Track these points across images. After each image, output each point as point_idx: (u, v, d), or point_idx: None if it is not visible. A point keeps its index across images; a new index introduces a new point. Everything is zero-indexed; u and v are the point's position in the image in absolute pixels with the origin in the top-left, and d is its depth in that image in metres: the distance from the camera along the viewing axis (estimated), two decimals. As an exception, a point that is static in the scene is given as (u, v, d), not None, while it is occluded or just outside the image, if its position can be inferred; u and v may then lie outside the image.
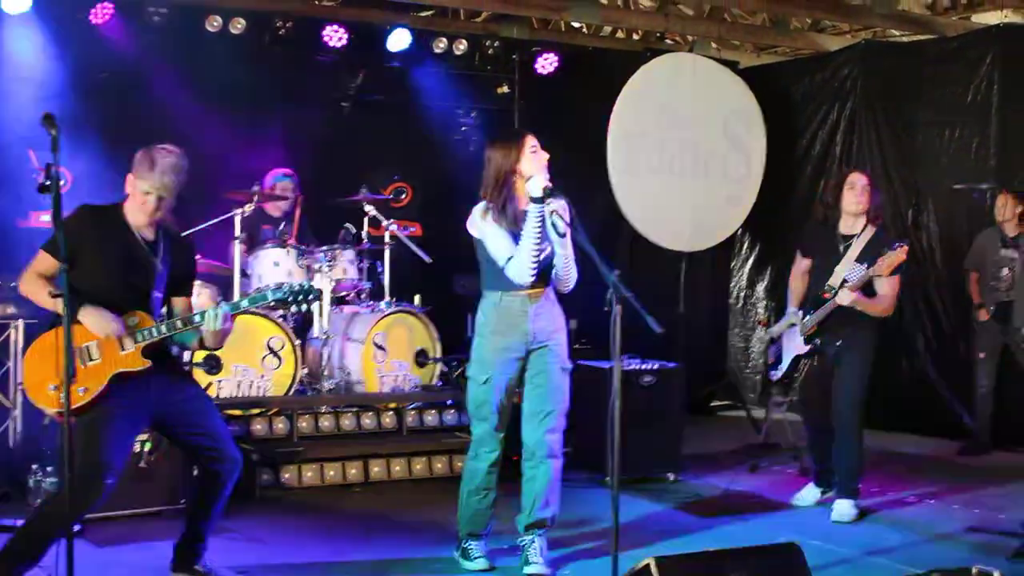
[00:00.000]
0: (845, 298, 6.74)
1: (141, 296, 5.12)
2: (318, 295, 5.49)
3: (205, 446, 5.24)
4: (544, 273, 5.61)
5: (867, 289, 6.84)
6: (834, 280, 6.87)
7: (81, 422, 4.80)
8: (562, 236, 5.51)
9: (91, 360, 4.95)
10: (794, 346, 7.12)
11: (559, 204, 5.46)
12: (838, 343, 6.93)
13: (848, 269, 6.85)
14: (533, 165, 5.52)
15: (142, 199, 5.08)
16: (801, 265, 7.24)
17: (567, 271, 5.64)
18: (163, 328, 5.07)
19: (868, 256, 6.81)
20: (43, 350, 5.00)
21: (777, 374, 7.27)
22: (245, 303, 5.40)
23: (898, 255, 6.64)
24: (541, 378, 5.70)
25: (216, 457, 5.25)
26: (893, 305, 6.94)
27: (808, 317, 6.99)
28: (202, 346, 5.28)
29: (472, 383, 5.75)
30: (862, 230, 6.92)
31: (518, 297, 5.61)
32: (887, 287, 6.83)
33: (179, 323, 5.12)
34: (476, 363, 5.74)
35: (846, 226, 7.01)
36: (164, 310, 5.31)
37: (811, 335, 7.00)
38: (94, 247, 4.99)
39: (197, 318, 5.10)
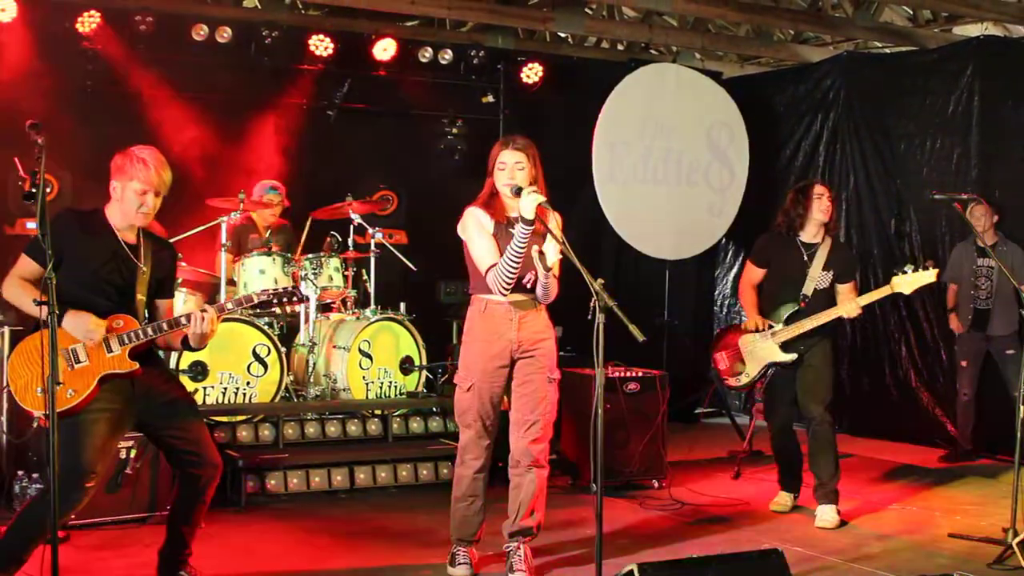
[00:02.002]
0: (853, 310, 6.95)
1: (125, 298, 5.14)
2: (301, 297, 5.53)
3: (185, 450, 5.24)
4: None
5: (831, 295, 7.13)
6: (807, 289, 7.09)
7: (66, 425, 4.80)
8: (548, 270, 5.55)
9: (78, 363, 4.97)
10: (764, 353, 7.21)
11: (553, 220, 5.47)
12: (801, 347, 7.11)
13: (818, 278, 7.11)
14: (498, 181, 5.60)
15: (137, 200, 5.08)
16: (754, 275, 7.40)
17: (546, 290, 5.65)
18: (149, 330, 5.09)
19: (833, 264, 7.12)
20: (28, 352, 5.01)
21: (743, 380, 7.35)
22: (230, 306, 5.42)
23: (927, 275, 6.86)
24: (527, 387, 5.71)
25: (196, 461, 5.25)
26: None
27: (785, 327, 7.12)
28: (185, 347, 5.28)
29: (457, 390, 5.78)
30: (822, 240, 7.16)
31: (503, 304, 5.64)
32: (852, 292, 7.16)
33: (165, 325, 5.14)
34: (461, 370, 5.78)
35: (808, 235, 7.21)
36: (146, 312, 5.31)
37: (788, 342, 7.11)
38: (78, 250, 5.00)
39: (183, 320, 5.12)
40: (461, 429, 5.81)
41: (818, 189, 7.20)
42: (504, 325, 5.65)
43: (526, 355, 5.70)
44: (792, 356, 7.09)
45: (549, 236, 5.52)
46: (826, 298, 7.09)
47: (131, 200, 5.10)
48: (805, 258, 7.15)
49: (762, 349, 7.21)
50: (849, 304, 6.98)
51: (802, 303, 7.09)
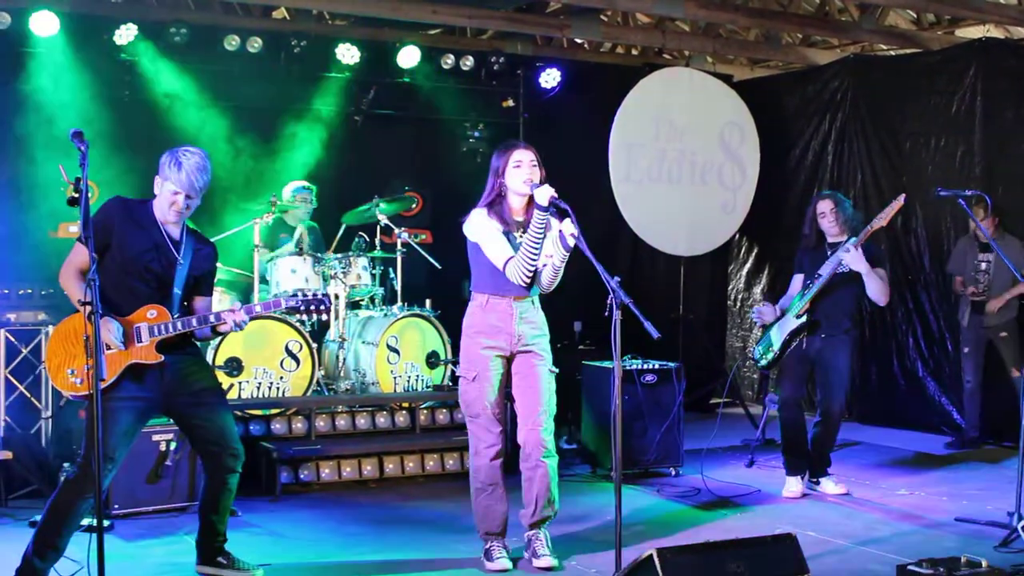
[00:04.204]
0: (852, 257, 7.16)
1: (161, 288, 5.27)
2: (328, 307, 5.65)
3: (209, 439, 5.41)
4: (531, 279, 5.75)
5: (852, 278, 7.31)
6: (823, 270, 7.31)
7: (91, 412, 4.87)
8: (567, 251, 5.65)
9: (108, 350, 5.07)
10: (783, 328, 7.47)
11: (568, 226, 5.57)
12: (823, 336, 7.36)
13: (835, 262, 7.29)
14: (514, 180, 5.70)
15: (171, 199, 5.24)
16: (795, 284, 7.62)
17: (552, 280, 5.78)
18: (179, 324, 5.23)
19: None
20: (65, 334, 5.17)
21: (769, 357, 7.57)
22: (258, 309, 5.56)
23: (897, 203, 7.13)
24: (530, 379, 5.81)
25: (218, 452, 5.41)
26: (888, 293, 7.39)
27: (801, 300, 7.38)
28: (216, 334, 5.45)
29: (463, 382, 5.84)
30: (846, 240, 7.38)
31: (504, 300, 5.75)
32: (884, 275, 7.32)
33: (195, 321, 5.28)
34: (464, 362, 5.84)
35: (832, 238, 7.50)
36: (184, 306, 5.43)
37: (803, 312, 7.36)
38: (123, 236, 5.13)
39: (212, 319, 5.29)
40: (470, 421, 5.85)
41: (820, 208, 7.48)
42: (505, 319, 5.75)
43: (526, 349, 5.80)
44: (803, 319, 7.34)
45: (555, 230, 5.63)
46: (845, 280, 7.29)
47: (165, 199, 5.25)
48: (829, 253, 7.40)
49: (781, 325, 7.48)
50: (850, 251, 7.17)
51: (815, 280, 7.33)
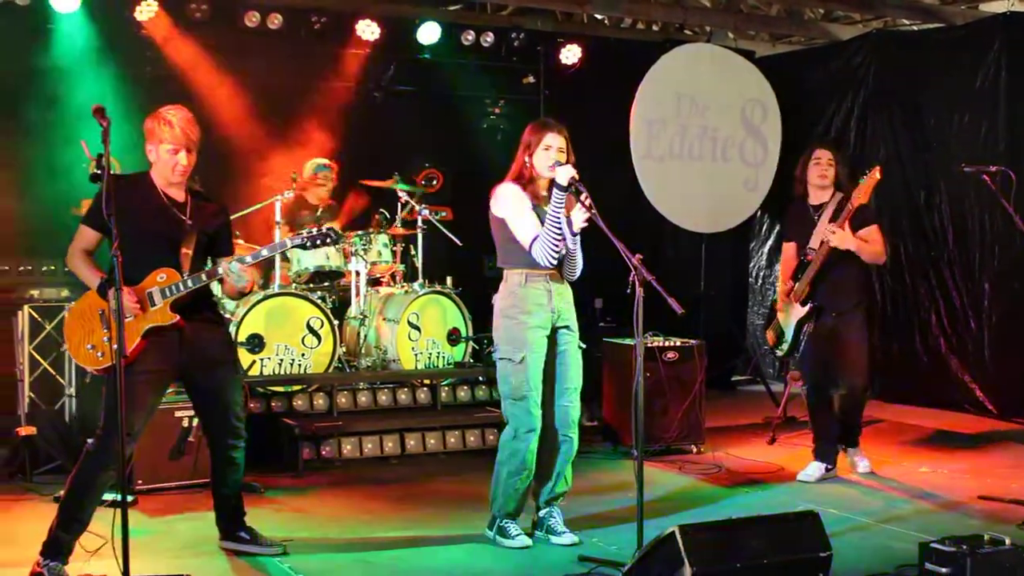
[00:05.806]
0: (839, 238, 7.02)
1: (170, 251, 5.24)
2: (335, 239, 5.59)
3: (212, 414, 5.47)
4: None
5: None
6: (813, 242, 7.18)
7: (110, 384, 4.95)
8: (575, 235, 5.65)
9: (125, 319, 4.99)
10: (792, 315, 7.37)
11: (577, 212, 5.57)
12: (833, 315, 7.23)
13: (824, 232, 7.13)
14: (541, 163, 5.67)
15: (171, 160, 5.23)
16: (788, 252, 7.52)
17: (573, 264, 5.78)
18: (189, 283, 5.22)
19: (839, 216, 7.12)
20: (80, 312, 5.23)
21: (784, 347, 7.50)
22: (265, 252, 5.54)
23: (872, 176, 6.97)
24: (565, 356, 5.80)
25: (218, 427, 5.47)
26: (884, 251, 7.31)
27: (797, 283, 7.29)
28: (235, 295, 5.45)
29: (507, 364, 5.70)
30: (830, 198, 7.25)
31: (541, 277, 5.71)
32: (874, 234, 7.19)
33: (203, 276, 5.26)
34: (509, 344, 5.71)
35: (816, 198, 7.35)
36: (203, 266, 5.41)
37: (806, 297, 7.26)
38: (125, 210, 4.98)
39: (220, 269, 5.26)
40: (513, 403, 5.71)
41: (816, 153, 7.31)
42: (543, 296, 5.70)
43: (563, 325, 5.79)
44: (807, 307, 7.23)
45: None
46: (841, 256, 7.11)
47: (165, 161, 5.23)
48: (815, 219, 7.25)
49: (789, 312, 7.38)
50: (834, 232, 7.02)
51: (808, 256, 7.21)
